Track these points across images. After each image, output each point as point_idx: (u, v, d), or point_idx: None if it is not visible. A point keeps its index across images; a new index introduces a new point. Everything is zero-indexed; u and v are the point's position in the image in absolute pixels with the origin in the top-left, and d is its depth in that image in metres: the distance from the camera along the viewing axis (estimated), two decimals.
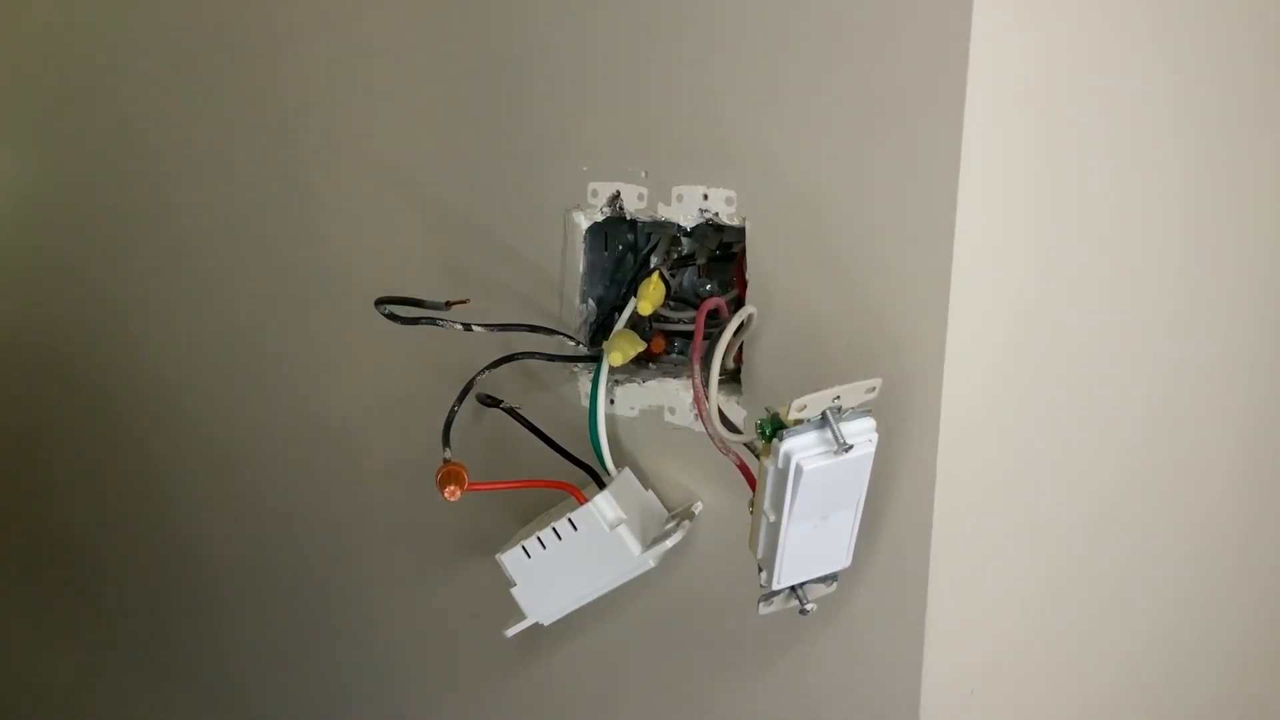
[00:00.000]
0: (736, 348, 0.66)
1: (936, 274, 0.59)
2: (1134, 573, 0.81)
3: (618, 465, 0.68)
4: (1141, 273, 0.73)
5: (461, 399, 0.66)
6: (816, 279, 0.62)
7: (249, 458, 0.87)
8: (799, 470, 0.55)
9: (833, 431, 0.55)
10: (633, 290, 0.68)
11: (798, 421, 0.55)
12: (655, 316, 0.70)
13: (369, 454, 0.81)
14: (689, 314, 0.70)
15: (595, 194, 0.67)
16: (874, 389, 0.56)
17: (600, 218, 0.68)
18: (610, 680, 0.76)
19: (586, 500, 0.65)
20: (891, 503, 0.63)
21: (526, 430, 0.68)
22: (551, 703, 0.79)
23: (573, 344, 0.69)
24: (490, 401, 0.69)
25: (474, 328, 0.65)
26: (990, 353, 0.64)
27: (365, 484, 0.82)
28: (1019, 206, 0.63)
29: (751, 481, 0.60)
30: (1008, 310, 0.64)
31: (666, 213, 0.65)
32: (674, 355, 0.72)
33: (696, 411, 0.66)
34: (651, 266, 0.70)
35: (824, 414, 0.55)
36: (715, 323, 0.64)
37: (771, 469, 0.56)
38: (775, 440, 0.56)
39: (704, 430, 0.60)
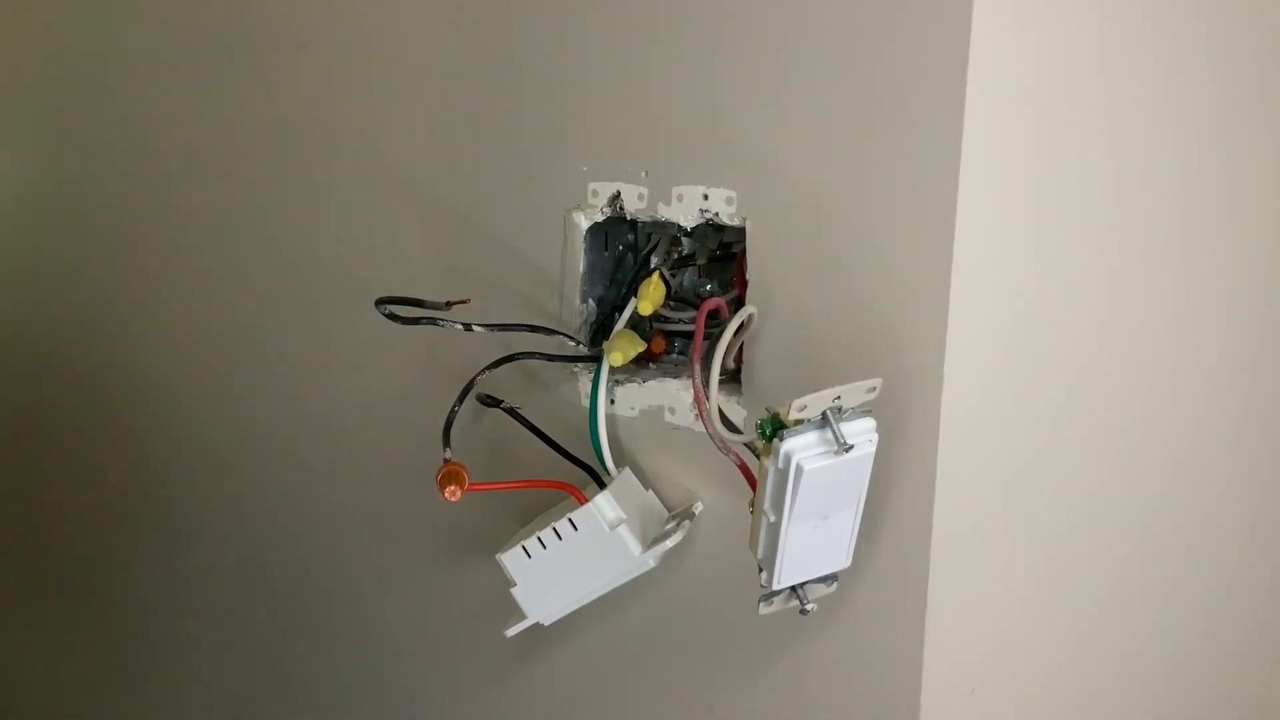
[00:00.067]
0: (737, 348, 0.66)
1: (937, 274, 0.59)
2: (1134, 573, 0.81)
3: (618, 465, 0.68)
4: (1141, 273, 0.73)
5: (462, 399, 0.66)
6: (817, 279, 0.62)
7: (249, 457, 0.87)
8: (799, 470, 0.55)
9: (833, 431, 0.55)
10: (633, 290, 0.68)
11: (798, 421, 0.55)
12: (655, 316, 0.70)
13: (369, 454, 0.81)
14: (689, 314, 0.70)
15: (595, 194, 0.67)
16: (874, 389, 0.56)
17: (600, 218, 0.68)
18: (610, 680, 0.76)
19: (587, 500, 0.65)
20: (892, 503, 0.63)
21: (527, 430, 0.68)
22: (551, 703, 0.79)
23: (573, 344, 0.69)
24: (490, 401, 0.69)
25: (474, 328, 0.65)
26: (990, 353, 0.64)
27: (365, 484, 0.82)
28: (1019, 206, 0.63)
29: (752, 481, 0.60)
30: (1008, 310, 0.64)
31: (667, 213, 0.65)
32: (674, 355, 0.72)
33: (697, 411, 0.66)
34: (652, 266, 0.70)
35: (824, 414, 0.55)
36: (715, 323, 0.64)
37: (772, 469, 0.56)
38: (775, 440, 0.56)
39: (704, 430, 0.60)
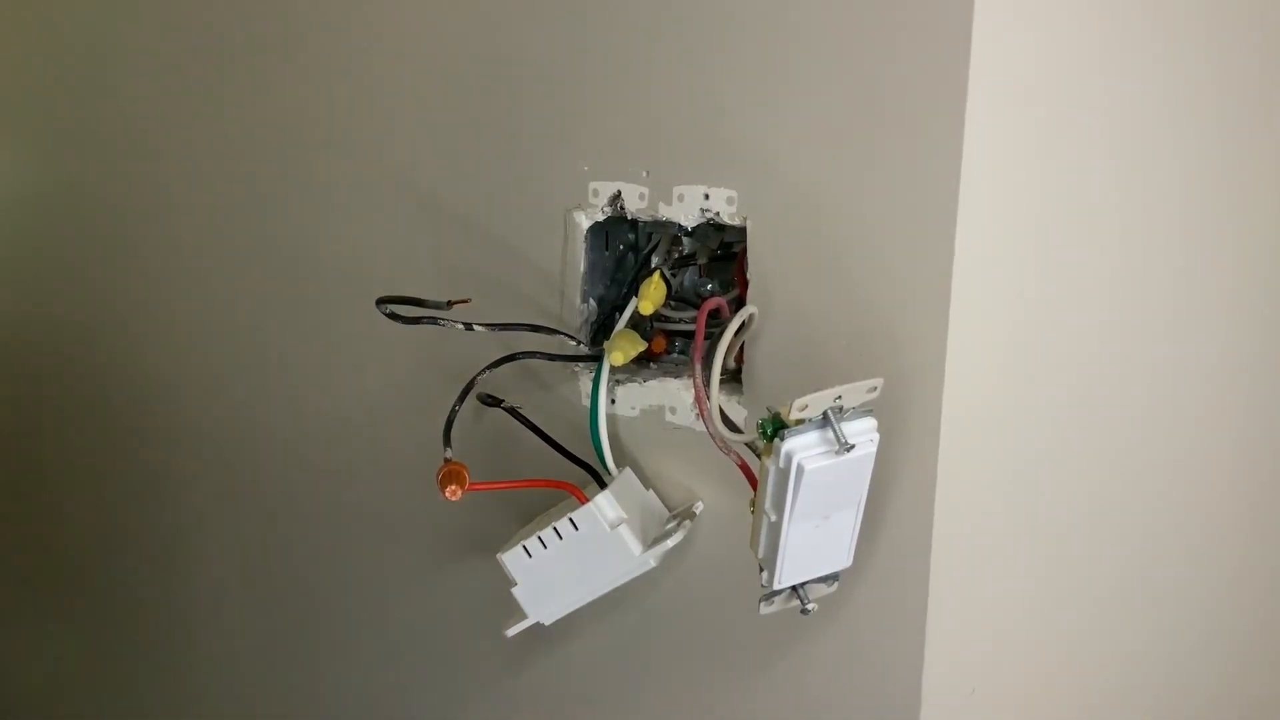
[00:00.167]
0: (738, 347, 0.66)
1: (938, 274, 0.59)
2: (1134, 573, 0.81)
3: (618, 465, 0.68)
4: (1141, 273, 0.73)
5: (462, 399, 0.66)
6: (818, 279, 0.62)
7: (249, 457, 0.87)
8: (800, 470, 0.55)
9: (834, 431, 0.55)
10: (634, 290, 0.68)
11: (799, 421, 0.55)
12: (656, 316, 0.70)
13: (369, 453, 0.81)
14: (690, 314, 0.70)
15: (596, 194, 0.67)
16: (875, 389, 0.56)
17: (601, 217, 0.68)
18: (611, 680, 0.76)
19: (587, 500, 0.65)
20: (892, 502, 0.63)
21: (527, 430, 0.68)
22: (551, 703, 0.79)
23: (574, 344, 0.69)
24: (491, 401, 0.69)
25: (475, 327, 0.65)
26: (991, 353, 0.64)
27: (366, 483, 0.82)
28: (1019, 206, 0.63)
29: (753, 481, 0.60)
30: (1008, 310, 0.64)
31: (667, 212, 0.65)
32: (675, 355, 0.72)
33: (698, 411, 0.66)
34: (652, 266, 0.71)
35: (825, 414, 0.55)
36: (716, 322, 0.64)
37: (773, 469, 0.56)
38: (776, 440, 0.56)
39: (705, 430, 0.60)
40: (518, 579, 0.67)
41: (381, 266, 0.76)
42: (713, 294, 0.70)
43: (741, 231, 0.64)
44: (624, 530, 0.65)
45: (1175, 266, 0.76)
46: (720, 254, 0.71)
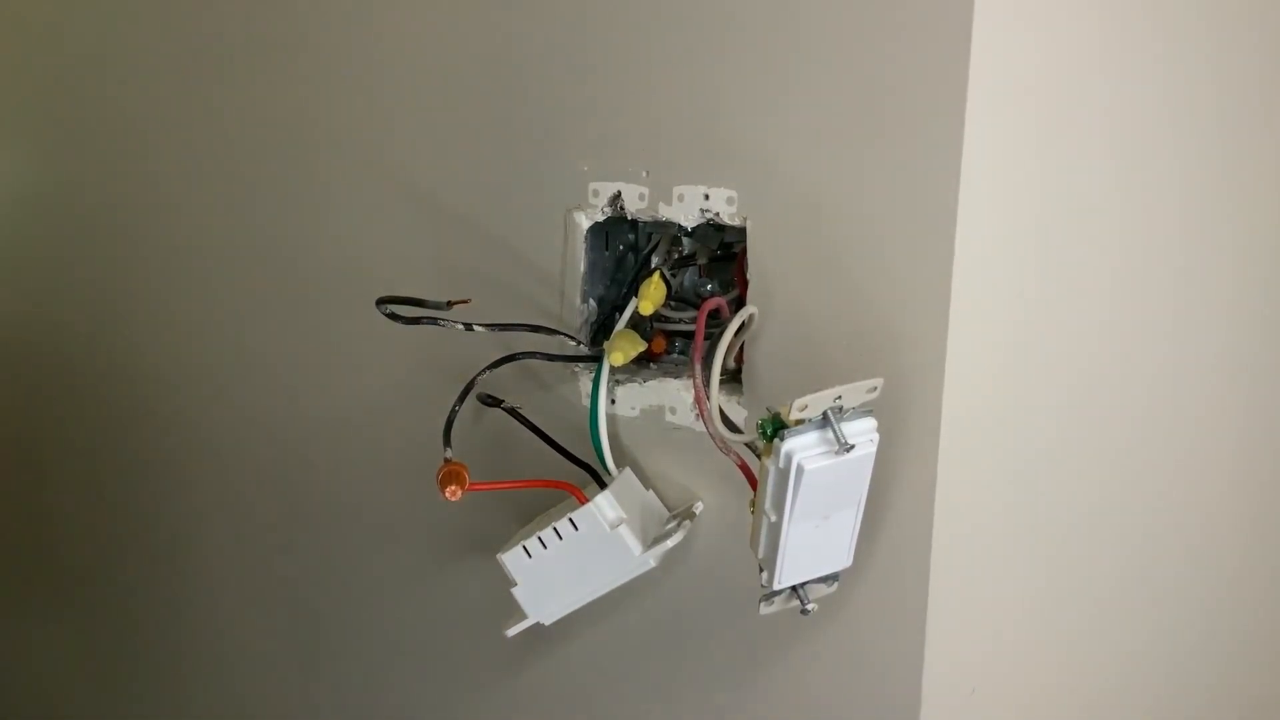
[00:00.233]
0: (737, 348, 0.66)
1: (938, 274, 0.59)
2: (1134, 573, 0.81)
3: (618, 465, 0.68)
4: (1141, 273, 0.73)
5: (462, 399, 0.66)
6: (817, 279, 0.62)
7: (249, 457, 0.87)
8: (800, 470, 0.55)
9: (834, 431, 0.55)
10: (633, 290, 0.68)
11: (799, 421, 0.55)
12: (656, 316, 0.70)
13: (369, 454, 0.81)
14: (690, 314, 0.70)
15: (596, 194, 0.67)
16: (875, 389, 0.56)
17: (601, 217, 0.68)
18: (611, 680, 0.76)
19: (587, 500, 0.65)
20: (892, 502, 0.63)
21: (527, 430, 0.68)
22: (551, 703, 0.79)
23: (574, 344, 0.69)
24: (491, 401, 0.69)
25: (475, 327, 0.65)
26: (991, 353, 0.64)
27: (365, 484, 0.82)
28: (1019, 206, 0.63)
29: (752, 481, 0.60)
30: (1008, 310, 0.64)
31: (667, 212, 0.65)
32: (675, 355, 0.72)
33: (697, 411, 0.66)
34: (652, 266, 0.71)
35: (825, 414, 0.55)
36: (716, 323, 0.64)
37: (773, 469, 0.56)
38: (776, 440, 0.56)
39: (705, 430, 0.60)
40: (518, 579, 0.67)
41: (381, 266, 0.76)
42: (713, 294, 0.70)
43: (741, 231, 0.64)
44: (624, 530, 0.65)
45: (1175, 266, 0.76)
46: (720, 254, 0.71)
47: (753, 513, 0.59)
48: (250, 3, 0.78)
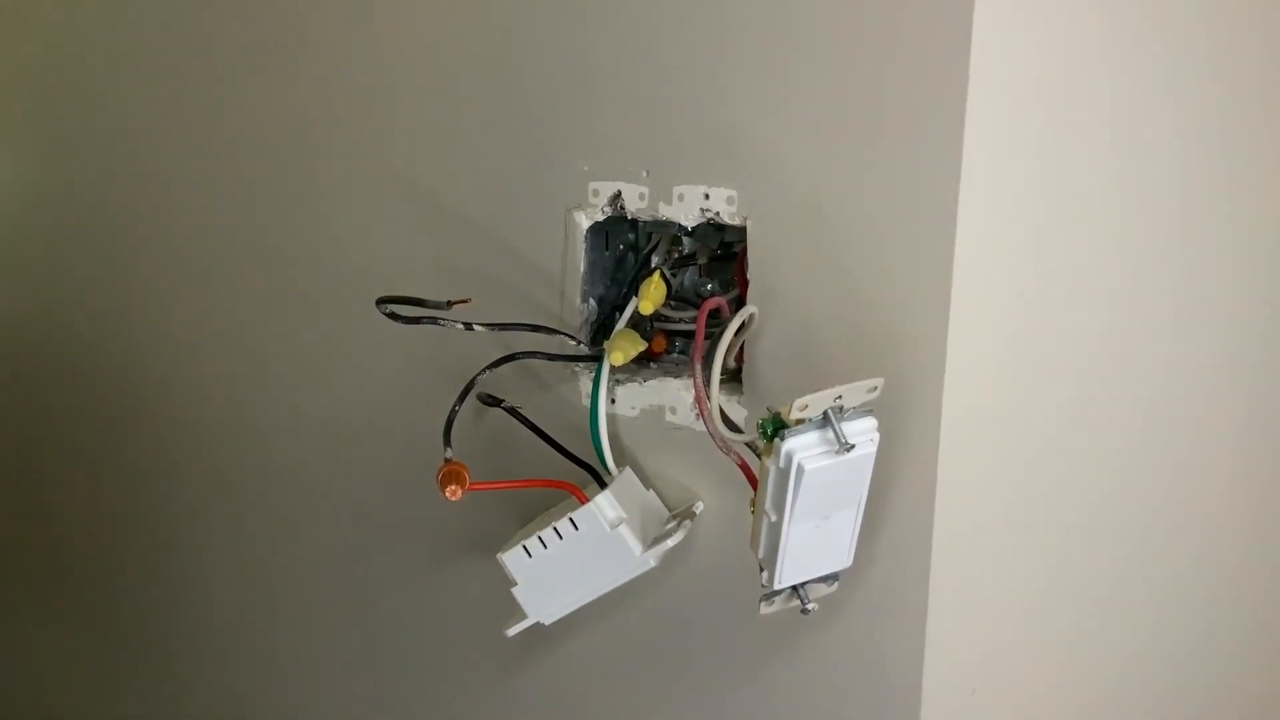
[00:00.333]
0: (738, 347, 0.66)
1: (938, 274, 0.59)
2: (1134, 573, 0.81)
3: (619, 465, 0.68)
4: (1141, 273, 0.73)
5: (462, 399, 0.66)
6: (818, 278, 0.62)
7: (249, 457, 0.87)
8: (800, 470, 0.55)
9: (834, 431, 0.55)
10: (634, 290, 0.68)
11: (799, 421, 0.55)
12: (656, 316, 0.70)
13: (369, 453, 0.81)
14: (690, 313, 0.70)
15: (596, 193, 0.67)
16: (875, 389, 0.56)
17: (601, 217, 0.68)
18: (611, 680, 0.76)
19: (587, 500, 0.65)
20: (892, 502, 0.63)
21: (527, 430, 0.68)
22: (551, 703, 0.79)
23: (574, 343, 0.69)
24: (491, 401, 0.69)
25: (475, 327, 0.65)
26: (991, 353, 0.64)
27: (366, 483, 0.82)
28: (1019, 206, 0.63)
29: (753, 481, 0.60)
30: (1009, 310, 0.64)
31: (668, 212, 0.65)
32: (675, 355, 0.72)
33: (698, 411, 0.66)
34: (653, 266, 0.71)
35: (825, 413, 0.55)
36: (716, 322, 0.64)
37: (773, 468, 0.56)
38: (777, 440, 0.56)
39: (705, 430, 0.60)
40: (518, 579, 0.67)
41: (381, 267, 0.76)
42: (713, 294, 0.70)
43: (741, 231, 0.64)
44: (624, 530, 0.65)
45: (1175, 267, 0.76)
46: (720, 254, 0.71)
47: (753, 513, 0.59)
48: (250, 3, 0.78)
